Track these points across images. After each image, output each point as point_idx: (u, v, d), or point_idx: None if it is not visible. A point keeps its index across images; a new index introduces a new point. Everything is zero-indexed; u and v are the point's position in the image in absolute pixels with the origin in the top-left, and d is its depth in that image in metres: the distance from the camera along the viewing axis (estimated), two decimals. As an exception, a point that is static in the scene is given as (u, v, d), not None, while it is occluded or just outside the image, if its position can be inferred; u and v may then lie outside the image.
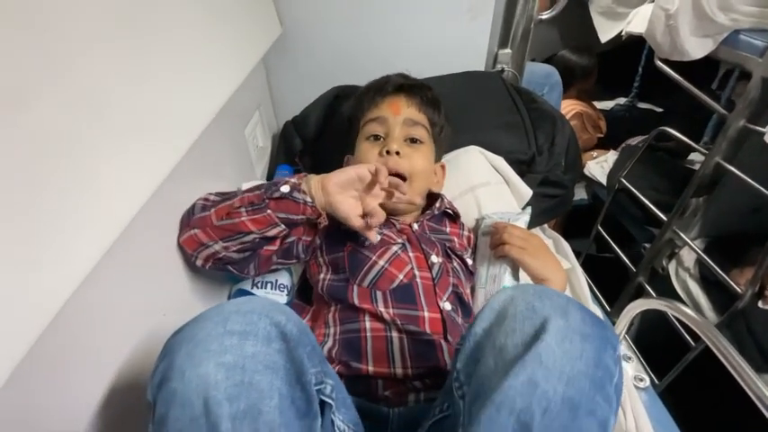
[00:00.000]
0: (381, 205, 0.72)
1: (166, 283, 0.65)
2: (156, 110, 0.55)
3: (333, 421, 0.46)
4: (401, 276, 0.69)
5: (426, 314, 0.66)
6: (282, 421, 0.38)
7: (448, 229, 0.82)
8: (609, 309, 1.59)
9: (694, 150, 1.41)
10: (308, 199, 0.63)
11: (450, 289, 0.71)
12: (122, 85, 0.50)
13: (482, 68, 1.15)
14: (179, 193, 0.67)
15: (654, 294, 1.47)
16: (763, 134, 1.12)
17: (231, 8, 0.83)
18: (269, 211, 0.61)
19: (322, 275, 0.73)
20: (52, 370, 0.44)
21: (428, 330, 0.65)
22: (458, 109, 0.97)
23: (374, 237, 0.66)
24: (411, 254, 0.72)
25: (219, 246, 0.63)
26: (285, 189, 0.62)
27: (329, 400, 0.45)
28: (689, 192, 1.38)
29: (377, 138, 0.78)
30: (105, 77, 0.47)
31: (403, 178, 0.74)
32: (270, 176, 1.05)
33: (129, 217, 0.47)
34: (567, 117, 1.87)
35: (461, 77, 1.07)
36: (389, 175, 0.69)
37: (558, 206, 1.03)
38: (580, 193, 2.12)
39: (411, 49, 1.11)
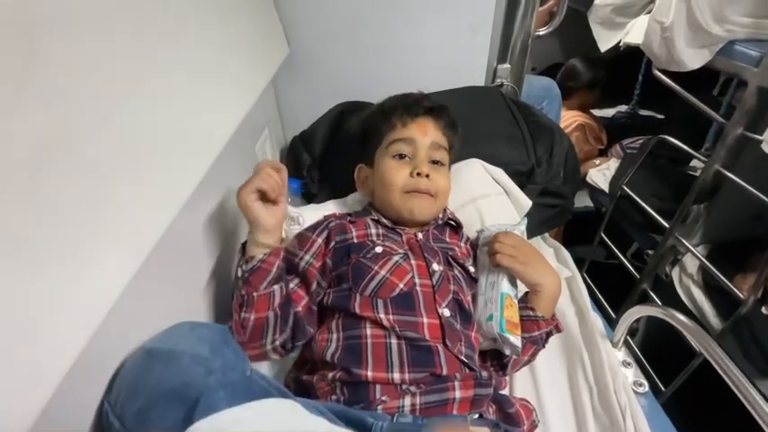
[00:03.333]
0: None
1: (184, 304, 0.68)
2: (178, 134, 0.59)
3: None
4: (401, 285, 0.71)
5: (425, 320, 0.69)
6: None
7: (449, 239, 0.85)
8: (614, 315, 1.59)
9: (694, 157, 1.42)
10: (259, 257, 0.68)
11: (451, 296, 0.73)
12: (144, 111, 0.54)
13: (482, 83, 1.18)
14: (197, 210, 0.71)
15: (658, 301, 1.49)
16: (761, 141, 1.15)
17: (244, 31, 0.88)
18: (255, 294, 0.67)
19: (327, 289, 0.76)
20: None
21: (427, 336, 0.67)
22: (460, 122, 0.99)
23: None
24: (413, 262, 0.74)
25: (269, 342, 0.68)
26: (239, 273, 0.68)
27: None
28: (690, 199, 1.40)
29: (402, 157, 0.82)
30: (127, 101, 0.51)
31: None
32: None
33: (156, 238, 0.51)
34: (570, 128, 1.90)
35: (462, 92, 1.11)
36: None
37: (559, 216, 1.05)
38: (584, 201, 2.14)
39: (413, 66, 1.14)
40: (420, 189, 0.79)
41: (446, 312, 0.70)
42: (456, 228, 0.89)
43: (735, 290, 1.25)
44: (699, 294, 1.44)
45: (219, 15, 0.78)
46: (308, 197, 1.08)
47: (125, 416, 0.46)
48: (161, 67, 0.58)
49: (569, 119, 1.98)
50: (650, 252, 1.60)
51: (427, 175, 0.79)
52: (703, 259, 1.37)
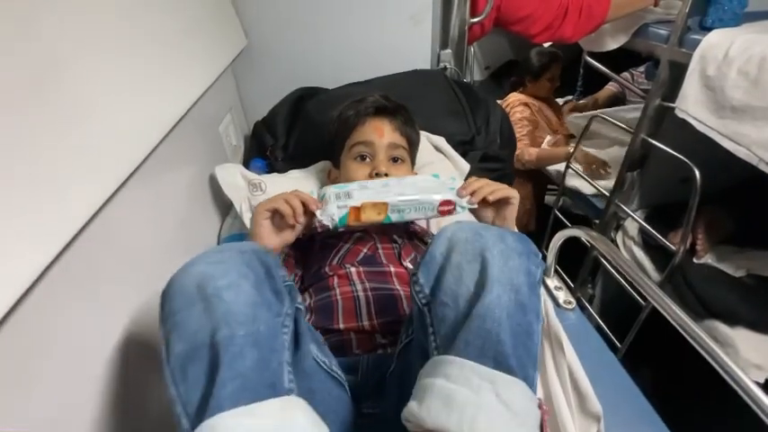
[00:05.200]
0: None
1: (146, 262, 0.71)
2: (133, 107, 0.66)
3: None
4: (365, 250, 0.80)
5: (392, 269, 0.76)
6: (257, 293, 0.49)
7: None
8: (572, 284, 1.71)
9: (624, 130, 1.56)
10: None
11: (413, 254, 0.81)
12: (108, 90, 0.60)
13: (428, 67, 1.29)
14: (165, 187, 0.78)
15: (609, 267, 1.57)
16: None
17: (200, 27, 0.97)
18: None
19: (300, 272, 0.82)
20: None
21: (395, 282, 0.73)
22: (409, 101, 1.06)
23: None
24: (375, 235, 0.83)
25: None
26: None
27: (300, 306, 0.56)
28: (624, 167, 1.53)
29: (363, 158, 0.86)
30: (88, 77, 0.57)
31: None
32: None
33: (104, 197, 0.56)
34: (514, 105, 1.98)
35: (411, 75, 1.21)
36: None
37: (500, 179, 1.11)
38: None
39: (365, 54, 1.25)
40: None
41: (410, 266, 0.78)
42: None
43: (667, 243, 1.38)
44: (640, 253, 1.57)
45: (177, 10, 0.86)
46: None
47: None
48: (116, 52, 0.65)
49: (517, 99, 2.04)
50: (597, 221, 1.73)
51: (386, 174, 0.83)
52: (641, 221, 1.50)
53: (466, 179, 1.05)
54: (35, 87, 0.48)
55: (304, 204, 0.66)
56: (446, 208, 0.70)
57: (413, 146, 0.92)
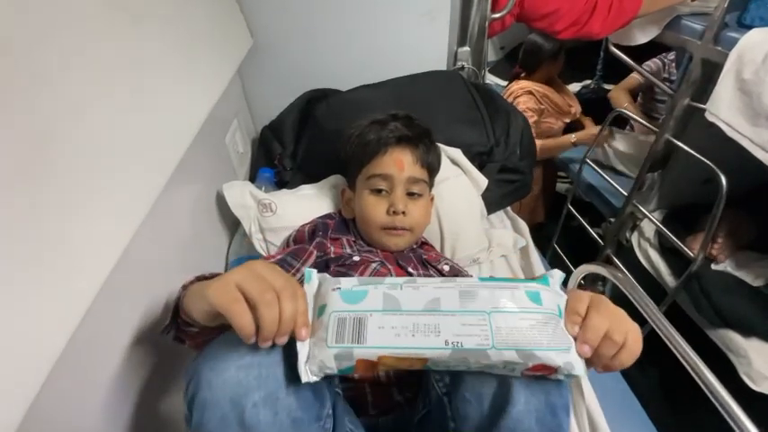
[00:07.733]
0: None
1: (164, 294, 0.69)
2: (144, 133, 0.62)
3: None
4: None
5: None
6: (296, 402, 0.44)
7: (421, 249, 0.88)
8: (583, 282, 1.64)
9: (648, 128, 1.50)
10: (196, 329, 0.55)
11: None
12: (110, 111, 0.56)
13: (444, 67, 1.21)
14: (169, 204, 0.73)
15: (620, 265, 1.57)
16: (706, 110, 1.19)
17: (206, 25, 0.89)
18: (194, 344, 0.60)
19: None
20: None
21: None
22: (423, 107, 1.02)
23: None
24: (390, 267, 0.77)
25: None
26: (171, 331, 0.58)
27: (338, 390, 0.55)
28: (645, 167, 1.48)
29: (379, 191, 0.81)
30: (92, 101, 0.53)
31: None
32: (252, 180, 1.11)
33: (129, 235, 0.54)
34: (519, 96, 1.90)
35: (424, 77, 1.13)
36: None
37: (518, 190, 1.12)
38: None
39: (376, 53, 1.17)
40: (396, 227, 0.79)
41: None
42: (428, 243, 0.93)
43: (686, 249, 1.33)
44: (655, 256, 1.53)
45: (179, 11, 0.79)
46: (281, 185, 1.10)
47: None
48: (123, 66, 0.60)
49: (518, 86, 1.96)
50: (612, 219, 1.69)
51: (403, 213, 0.78)
52: (658, 223, 1.45)
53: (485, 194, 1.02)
54: (38, 147, 0.44)
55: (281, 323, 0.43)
56: (539, 373, 0.45)
57: (433, 174, 0.87)
